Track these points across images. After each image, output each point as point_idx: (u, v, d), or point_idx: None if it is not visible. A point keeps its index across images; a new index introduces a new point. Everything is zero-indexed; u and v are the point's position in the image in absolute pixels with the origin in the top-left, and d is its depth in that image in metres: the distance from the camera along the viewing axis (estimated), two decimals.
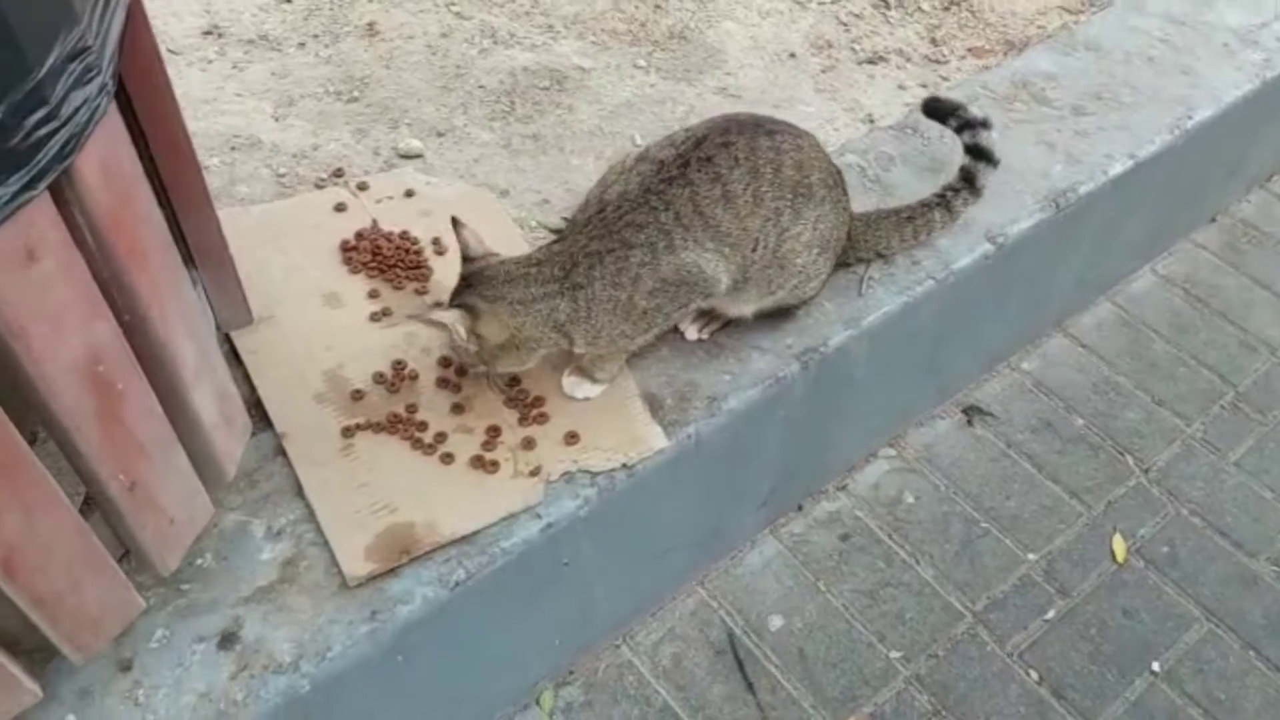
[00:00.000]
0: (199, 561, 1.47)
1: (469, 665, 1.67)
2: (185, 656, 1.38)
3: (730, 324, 1.80)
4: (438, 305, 1.61)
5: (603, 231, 1.57)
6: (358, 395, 1.67)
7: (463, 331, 1.53)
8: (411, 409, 1.66)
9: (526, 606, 1.66)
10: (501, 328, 1.55)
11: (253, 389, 1.66)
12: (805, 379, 1.81)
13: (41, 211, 0.95)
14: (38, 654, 1.28)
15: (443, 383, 1.70)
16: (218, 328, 1.66)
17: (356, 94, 2.28)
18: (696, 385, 1.74)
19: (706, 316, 1.78)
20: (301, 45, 2.40)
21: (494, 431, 1.63)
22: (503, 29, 2.50)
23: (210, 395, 1.30)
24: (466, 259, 1.60)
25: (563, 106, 2.29)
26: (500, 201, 2.04)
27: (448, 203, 2.01)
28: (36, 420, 1.10)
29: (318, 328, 1.76)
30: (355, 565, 1.47)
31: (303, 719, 1.41)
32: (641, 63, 2.43)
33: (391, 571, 1.48)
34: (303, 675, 1.38)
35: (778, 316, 1.82)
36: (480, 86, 2.33)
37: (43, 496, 1.05)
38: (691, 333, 1.79)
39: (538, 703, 1.84)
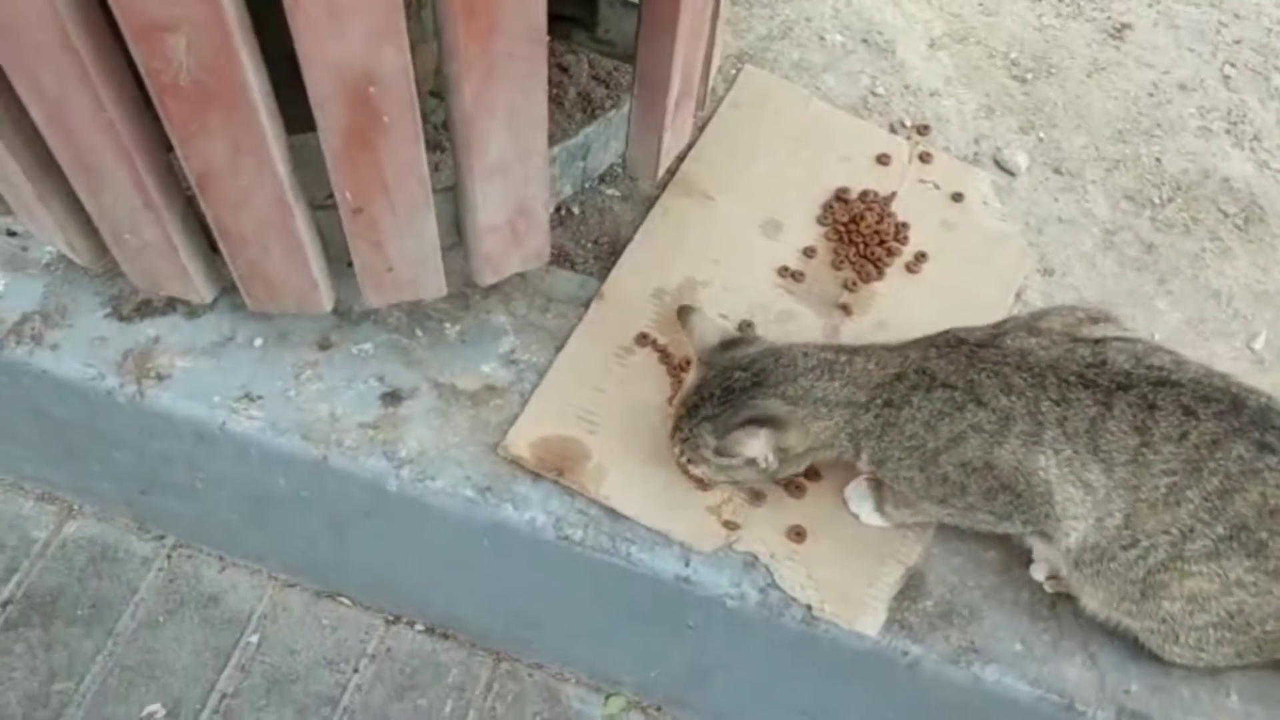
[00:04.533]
0: (427, 324, 1.46)
1: (531, 607, 1.53)
2: (349, 381, 1.41)
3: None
4: (735, 431, 1.21)
5: (958, 360, 1.18)
6: (682, 314, 1.50)
7: (772, 459, 1.24)
8: None
9: (626, 621, 1.45)
10: (806, 437, 1.24)
11: (615, 241, 1.56)
12: None
13: None
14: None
15: None
16: (623, 167, 1.55)
17: (1030, 75, 1.93)
18: (974, 616, 1.31)
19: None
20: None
21: None
22: (1252, 127, 1.92)
23: (500, 197, 1.22)
24: (725, 344, 1.29)
25: (1225, 239, 1.73)
26: (1033, 279, 1.63)
27: (981, 237, 1.66)
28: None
29: (726, 239, 1.58)
30: (517, 442, 1.37)
31: (375, 499, 1.40)
32: None
33: (533, 475, 1.36)
34: (398, 474, 1.35)
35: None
36: (1156, 160, 1.84)
37: (252, 141, 1.07)
38: (1038, 571, 1.33)
39: (606, 700, 1.66)
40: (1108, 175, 1.80)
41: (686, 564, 1.32)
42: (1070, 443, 1.13)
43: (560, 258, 1.57)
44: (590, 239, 1.60)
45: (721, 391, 1.24)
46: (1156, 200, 1.79)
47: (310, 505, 1.46)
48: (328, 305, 1.34)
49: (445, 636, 1.65)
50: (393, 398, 1.41)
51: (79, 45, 1.03)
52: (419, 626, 1.66)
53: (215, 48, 1.00)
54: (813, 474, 1.38)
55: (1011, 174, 1.77)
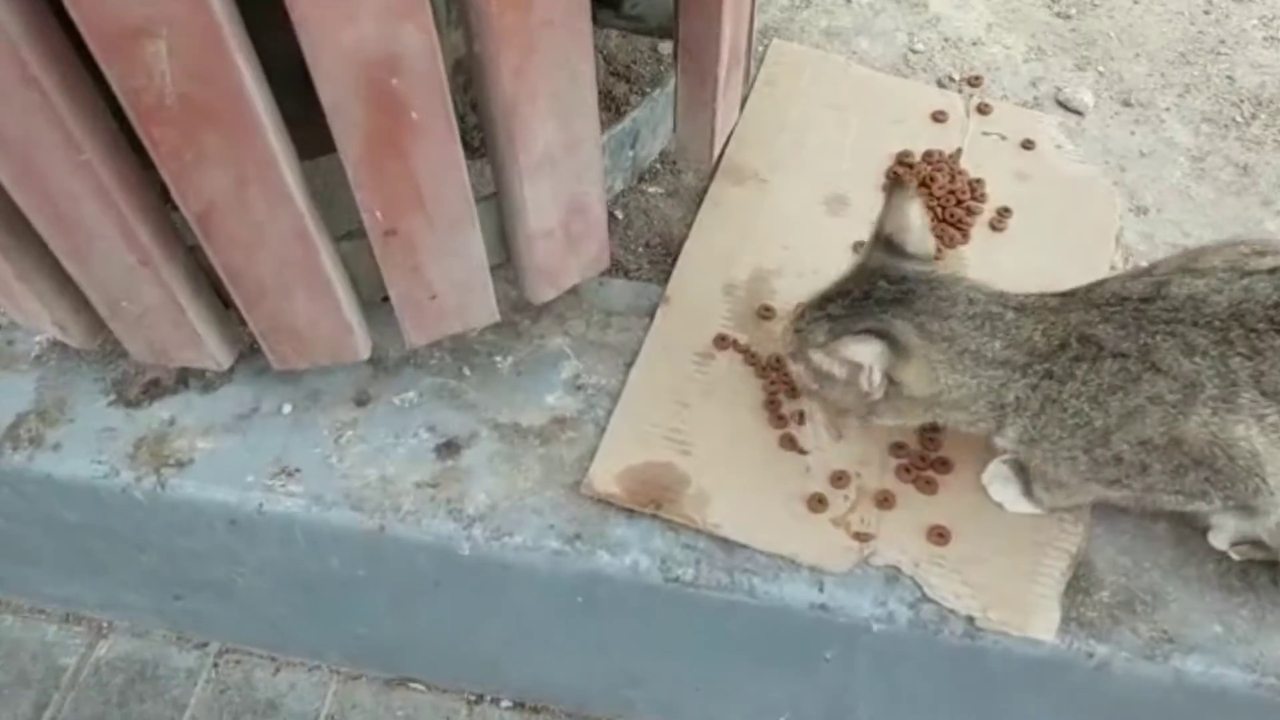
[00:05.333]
0: (474, 360, 1.29)
1: (636, 663, 1.34)
2: (397, 437, 1.23)
3: None
4: (849, 335, 1.04)
5: (1125, 321, 1.01)
6: (765, 313, 1.33)
7: (877, 375, 1.06)
8: None
9: (748, 665, 1.26)
10: (930, 382, 1.06)
11: (668, 242, 1.40)
12: None
13: None
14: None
15: None
16: (671, 159, 1.39)
17: (1074, 11, 1.77)
18: (1159, 600, 1.13)
19: (1245, 536, 1.13)
20: None
21: (843, 477, 1.19)
22: None
23: (551, 196, 1.05)
24: (897, 248, 1.09)
25: None
26: (1127, 220, 1.47)
27: (1062, 183, 1.49)
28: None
29: (790, 222, 1.42)
30: (602, 477, 1.19)
31: (445, 567, 1.22)
32: None
33: (627, 512, 1.17)
34: (469, 534, 1.16)
35: None
36: (1228, 78, 1.68)
37: (259, 164, 0.90)
38: (1220, 538, 1.15)
39: None
40: (1180, 101, 1.65)
41: (820, 589, 1.14)
42: (1274, 402, 0.95)
43: (612, 268, 1.40)
44: (640, 243, 1.43)
45: (860, 294, 1.07)
46: (1239, 119, 1.63)
47: (369, 585, 1.28)
48: (364, 352, 1.16)
49: (537, 710, 1.46)
50: (449, 448, 1.23)
51: (39, 74, 0.86)
52: (505, 703, 1.46)
53: (202, 49, 0.83)
54: (942, 465, 1.20)
55: (1079, 113, 1.61)
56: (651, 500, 1.17)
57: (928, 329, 1.04)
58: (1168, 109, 1.63)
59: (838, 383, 1.09)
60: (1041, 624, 1.11)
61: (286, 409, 1.25)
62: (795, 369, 1.15)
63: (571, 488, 1.20)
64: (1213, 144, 1.59)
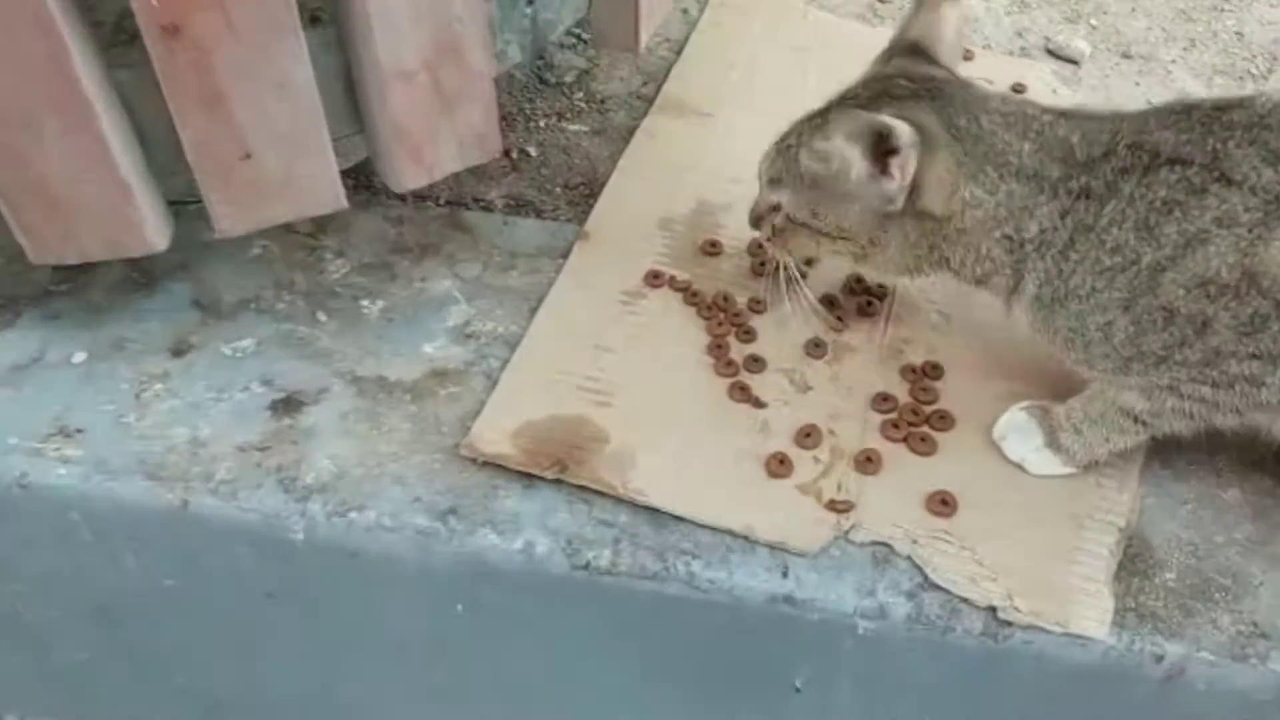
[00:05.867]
0: (333, 305, 1.00)
1: (542, 685, 0.99)
2: (219, 392, 0.93)
3: None
4: (874, 118, 0.81)
5: (1196, 127, 0.77)
6: (711, 249, 1.05)
7: (911, 164, 0.79)
8: (755, 305, 1.00)
9: (693, 686, 0.94)
10: (950, 192, 0.81)
11: (593, 183, 1.13)
12: None
13: None
14: None
15: (831, 305, 1.00)
16: (595, 40, 1.13)
17: None
18: (1243, 584, 0.83)
19: None
20: None
21: (812, 434, 0.90)
22: None
23: (411, 18, 0.78)
24: (924, 56, 0.86)
25: None
26: None
27: None
28: None
29: (742, 156, 1.14)
30: (490, 436, 0.89)
31: (276, 563, 0.90)
32: None
33: (523, 478, 0.87)
34: (303, 510, 0.85)
35: None
36: (1236, 34, 1.48)
37: None
38: None
39: None
40: (1186, 54, 1.43)
41: (785, 575, 0.83)
42: None
43: (521, 208, 1.13)
44: (558, 183, 1.17)
45: (871, 95, 0.85)
46: (1255, 71, 1.42)
47: (182, 602, 0.94)
48: (159, 241, 0.85)
49: None
50: (288, 405, 0.92)
51: None
52: None
53: None
54: (940, 420, 0.91)
55: (1074, 62, 1.39)
56: (555, 462, 0.87)
57: (957, 126, 0.81)
58: (1173, 61, 1.41)
59: (836, 200, 0.84)
60: (1089, 616, 0.80)
61: (79, 358, 0.95)
62: (771, 204, 0.90)
63: (449, 452, 0.89)
64: (1230, 94, 1.37)
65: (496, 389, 0.93)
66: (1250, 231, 0.73)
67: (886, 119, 0.78)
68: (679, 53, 1.32)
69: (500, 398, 0.92)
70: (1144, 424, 0.83)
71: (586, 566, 0.83)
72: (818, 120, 0.86)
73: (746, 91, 1.25)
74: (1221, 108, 0.78)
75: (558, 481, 0.86)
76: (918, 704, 0.88)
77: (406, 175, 0.86)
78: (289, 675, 1.03)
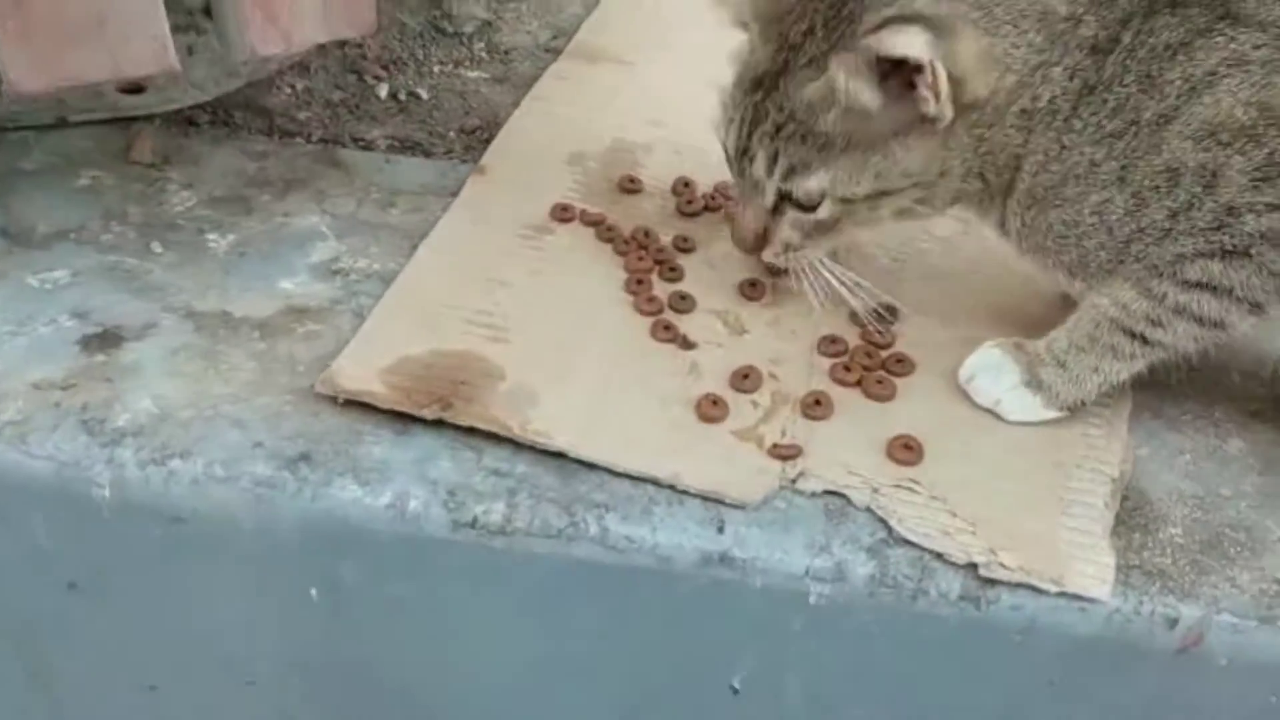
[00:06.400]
0: (172, 238, 0.83)
1: (422, 681, 0.80)
2: (19, 325, 0.75)
3: None
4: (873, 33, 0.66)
5: None
6: (631, 185, 0.91)
7: (942, 74, 0.65)
8: (682, 243, 0.86)
9: (609, 680, 0.76)
10: (992, 64, 0.67)
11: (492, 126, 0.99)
12: None
13: None
14: None
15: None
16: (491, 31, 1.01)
17: None
18: (1258, 538, 0.70)
19: None
20: None
21: (750, 375, 0.75)
22: None
23: None
24: None
25: None
26: None
27: None
28: None
29: (664, 100, 1.02)
30: (355, 372, 0.72)
31: (74, 532, 0.71)
32: None
33: (399, 420, 0.70)
34: (110, 457, 0.67)
35: None
36: None
37: None
38: None
39: None
40: None
41: (720, 530, 0.67)
42: None
43: (408, 147, 0.98)
44: (453, 126, 1.02)
45: (828, 19, 0.70)
46: None
47: None
48: None
49: None
50: (104, 340, 0.74)
51: None
52: None
53: None
54: (899, 364, 0.77)
55: None
56: (436, 399, 0.70)
57: (981, 3, 0.68)
58: None
59: (889, 145, 0.69)
60: (1088, 573, 0.66)
61: None
62: (776, 204, 0.74)
63: (304, 393, 0.72)
64: None
65: (367, 321, 0.76)
66: (1263, 68, 0.63)
67: (890, 41, 0.64)
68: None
69: (371, 328, 0.75)
70: (1143, 340, 0.70)
71: (474, 524, 0.66)
72: (811, 74, 0.70)
73: (670, 44, 1.13)
74: None
75: (439, 424, 0.70)
76: (885, 704, 0.72)
77: (257, 35, 0.71)
78: (98, 707, 0.82)
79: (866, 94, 0.67)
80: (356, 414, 0.71)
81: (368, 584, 0.70)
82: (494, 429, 0.69)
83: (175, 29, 0.79)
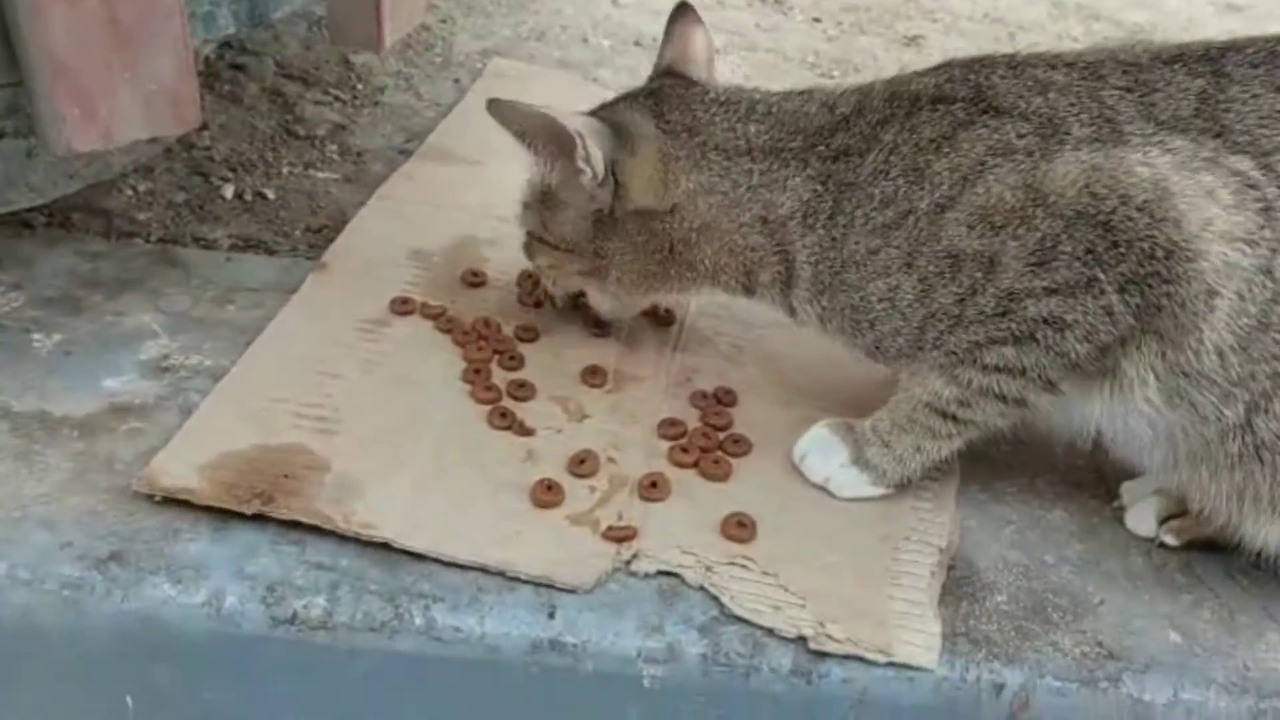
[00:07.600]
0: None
1: None
2: None
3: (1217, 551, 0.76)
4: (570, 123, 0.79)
5: (950, 72, 0.74)
6: (474, 278, 0.92)
7: (596, 153, 0.76)
8: (524, 333, 0.87)
9: None
10: (661, 183, 0.77)
11: (338, 225, 0.99)
12: None
13: None
14: None
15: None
16: (333, 35, 1.01)
17: (837, 73, 1.60)
18: (1080, 604, 0.72)
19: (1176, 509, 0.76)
20: None
21: (587, 460, 0.75)
22: None
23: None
24: (670, 72, 0.84)
25: None
26: None
27: None
28: None
29: (508, 198, 1.04)
30: (174, 468, 0.70)
31: None
32: None
33: (218, 516, 0.68)
34: None
35: None
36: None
37: None
38: (1141, 519, 0.77)
39: None
40: None
41: (551, 615, 0.66)
42: (1173, 131, 0.67)
43: (251, 245, 0.98)
44: (298, 226, 1.02)
45: (596, 109, 0.84)
46: None
47: None
48: None
49: None
50: None
51: None
52: None
53: None
54: (735, 444, 0.79)
55: None
56: (258, 494, 0.68)
57: (665, 118, 0.79)
58: None
59: (554, 209, 0.81)
60: (915, 642, 0.66)
61: None
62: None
63: (121, 492, 0.69)
64: None
65: (191, 417, 0.74)
66: (1029, 156, 0.68)
67: (556, 116, 0.77)
68: (448, 113, 1.24)
69: (195, 424, 0.73)
70: (956, 420, 0.73)
71: (293, 619, 0.64)
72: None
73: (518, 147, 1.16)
74: (978, 57, 0.75)
75: (261, 519, 0.68)
76: None
77: (75, 133, 0.69)
78: None
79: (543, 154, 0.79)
80: (174, 511, 0.68)
81: (184, 687, 0.67)
82: (316, 522, 0.67)
83: (15, 133, 0.79)
